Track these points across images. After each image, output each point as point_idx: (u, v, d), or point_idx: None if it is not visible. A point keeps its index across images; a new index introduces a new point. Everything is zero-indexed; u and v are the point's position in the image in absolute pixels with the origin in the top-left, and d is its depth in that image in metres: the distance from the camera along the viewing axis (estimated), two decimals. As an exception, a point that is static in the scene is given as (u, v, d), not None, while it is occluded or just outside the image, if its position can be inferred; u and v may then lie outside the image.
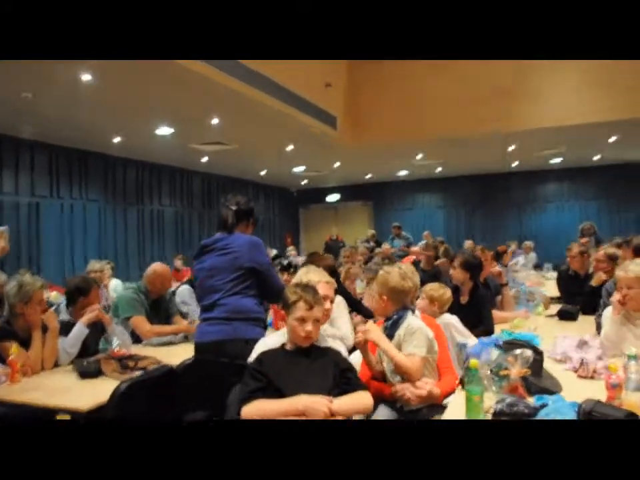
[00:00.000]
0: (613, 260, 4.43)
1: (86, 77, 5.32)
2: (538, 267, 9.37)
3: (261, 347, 2.30)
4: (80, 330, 3.23)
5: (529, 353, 2.07)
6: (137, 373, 2.81)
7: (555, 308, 4.56)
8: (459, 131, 8.96)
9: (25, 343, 2.95)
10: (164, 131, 7.50)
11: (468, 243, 11.12)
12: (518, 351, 2.06)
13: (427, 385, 2.31)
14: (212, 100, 6.30)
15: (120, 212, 9.67)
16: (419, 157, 10.74)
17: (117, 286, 6.21)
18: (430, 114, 8.84)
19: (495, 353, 2.12)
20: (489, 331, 3.46)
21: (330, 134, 8.42)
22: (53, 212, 8.44)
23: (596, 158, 11.61)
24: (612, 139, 9.56)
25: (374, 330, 2.39)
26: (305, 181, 14.01)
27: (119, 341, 3.30)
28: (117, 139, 8.08)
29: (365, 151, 9.95)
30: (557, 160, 11.68)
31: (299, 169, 11.58)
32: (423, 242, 11.87)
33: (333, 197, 15.24)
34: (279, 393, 1.97)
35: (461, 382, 2.23)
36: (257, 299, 2.72)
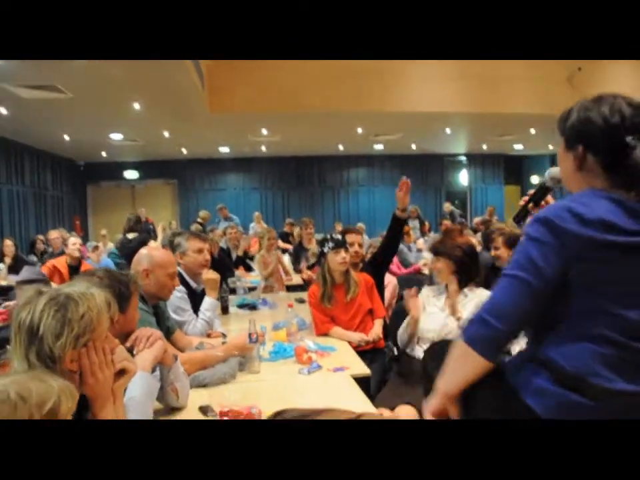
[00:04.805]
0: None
1: None
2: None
3: None
4: (148, 383, 1.64)
5: None
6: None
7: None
8: (311, 107, 8.31)
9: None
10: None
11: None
12: None
13: None
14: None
15: None
16: (264, 132, 9.75)
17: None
18: (285, 86, 7.99)
19: None
20: None
21: (197, 91, 6.91)
22: None
23: (413, 147, 12.23)
24: (448, 131, 10.09)
25: None
26: (104, 153, 11.67)
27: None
28: None
29: (208, 120, 8.51)
30: (380, 146, 11.94)
31: (117, 136, 9.46)
32: (253, 224, 11.13)
33: (131, 174, 13.10)
34: None
35: None
36: None
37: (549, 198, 1.73)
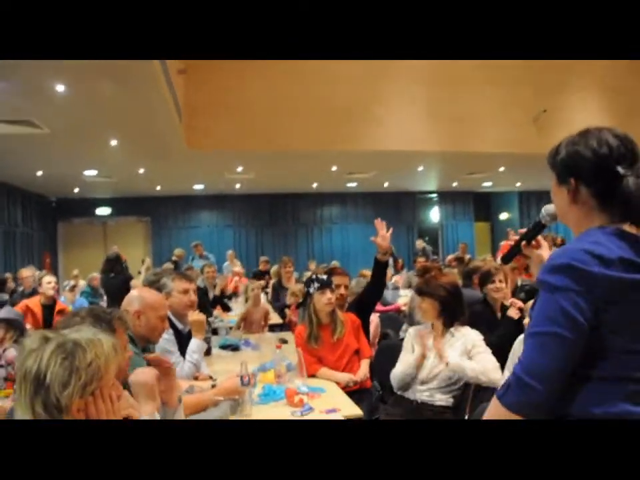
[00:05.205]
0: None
1: None
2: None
3: None
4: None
5: None
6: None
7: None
8: (287, 145, 8.43)
9: None
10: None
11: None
12: None
13: None
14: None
15: None
16: (240, 169, 9.81)
17: None
18: (260, 124, 8.10)
19: None
20: None
21: (175, 126, 6.94)
22: None
23: (386, 185, 12.44)
24: (420, 169, 10.34)
25: None
26: (77, 189, 11.53)
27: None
28: None
29: (184, 156, 8.52)
30: (354, 184, 12.11)
31: (91, 173, 9.39)
32: (226, 264, 11.06)
33: (103, 210, 12.95)
34: None
35: None
36: None
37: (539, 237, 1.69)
